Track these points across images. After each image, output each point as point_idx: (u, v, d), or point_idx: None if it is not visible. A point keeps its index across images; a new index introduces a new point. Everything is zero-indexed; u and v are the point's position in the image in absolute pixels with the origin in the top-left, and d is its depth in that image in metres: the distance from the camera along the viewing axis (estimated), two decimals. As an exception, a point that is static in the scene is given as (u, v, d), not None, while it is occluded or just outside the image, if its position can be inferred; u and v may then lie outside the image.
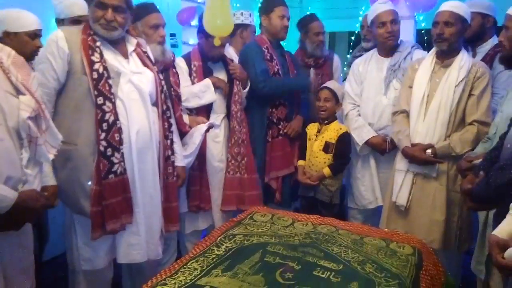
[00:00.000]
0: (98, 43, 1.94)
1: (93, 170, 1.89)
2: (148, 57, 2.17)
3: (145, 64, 2.12)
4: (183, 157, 2.40)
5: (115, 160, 1.91)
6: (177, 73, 2.59)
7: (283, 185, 2.98)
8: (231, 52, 3.06)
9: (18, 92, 1.55)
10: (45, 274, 2.60)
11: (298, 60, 3.24)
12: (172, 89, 2.49)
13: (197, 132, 2.53)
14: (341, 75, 3.58)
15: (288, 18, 2.89)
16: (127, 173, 1.96)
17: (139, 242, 2.04)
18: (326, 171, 2.72)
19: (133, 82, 2.00)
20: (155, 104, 2.13)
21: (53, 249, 2.75)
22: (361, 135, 2.75)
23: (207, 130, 2.58)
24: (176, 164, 2.29)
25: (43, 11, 2.54)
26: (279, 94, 2.87)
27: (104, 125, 1.88)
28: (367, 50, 3.16)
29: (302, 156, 2.86)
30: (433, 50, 2.43)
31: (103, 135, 1.88)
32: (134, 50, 2.09)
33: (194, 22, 4.12)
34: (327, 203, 2.74)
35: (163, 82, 2.19)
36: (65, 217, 2.12)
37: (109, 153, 1.89)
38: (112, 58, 1.98)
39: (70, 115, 1.91)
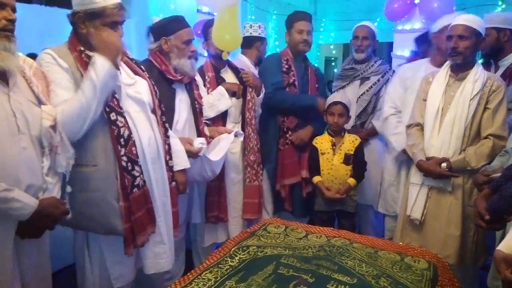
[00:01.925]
0: (92, 59, 1.81)
1: (119, 187, 1.83)
2: (136, 63, 2.12)
3: (135, 72, 2.07)
4: (185, 161, 2.30)
5: (136, 174, 1.89)
6: (198, 85, 2.61)
7: (294, 196, 3.02)
8: (247, 62, 3.12)
9: (39, 101, 1.60)
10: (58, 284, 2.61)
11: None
12: (196, 102, 2.51)
13: (224, 141, 2.54)
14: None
15: (308, 32, 3.01)
16: (146, 185, 1.96)
17: (165, 251, 2.04)
18: (352, 181, 2.72)
19: (130, 95, 1.96)
20: (153, 111, 2.09)
21: (67, 258, 2.76)
22: (401, 141, 2.71)
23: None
24: (175, 169, 2.23)
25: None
26: (285, 107, 2.97)
27: (122, 140, 1.84)
28: (360, 62, 3.19)
29: (317, 172, 2.79)
30: (447, 64, 2.42)
31: (123, 150, 1.84)
32: (121, 59, 1.99)
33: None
34: (351, 213, 2.78)
35: (155, 87, 2.14)
36: (75, 240, 2.02)
37: (130, 168, 1.86)
38: None
39: (82, 137, 1.77)
